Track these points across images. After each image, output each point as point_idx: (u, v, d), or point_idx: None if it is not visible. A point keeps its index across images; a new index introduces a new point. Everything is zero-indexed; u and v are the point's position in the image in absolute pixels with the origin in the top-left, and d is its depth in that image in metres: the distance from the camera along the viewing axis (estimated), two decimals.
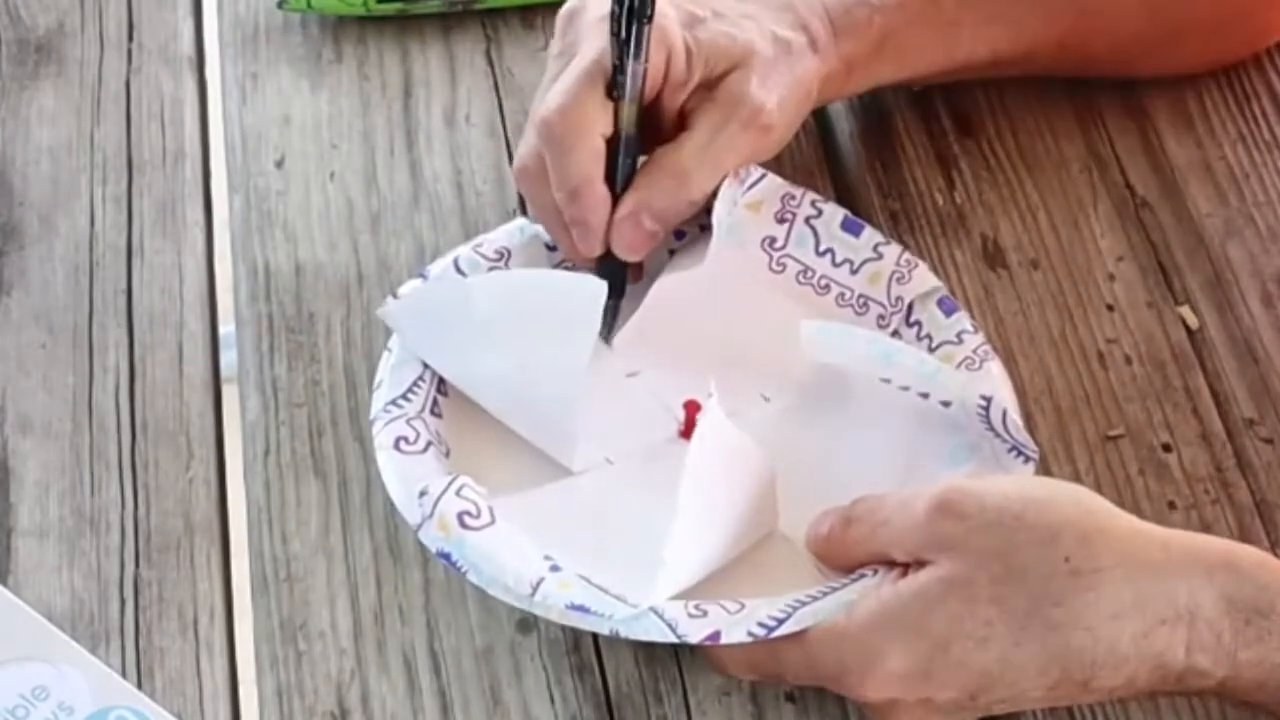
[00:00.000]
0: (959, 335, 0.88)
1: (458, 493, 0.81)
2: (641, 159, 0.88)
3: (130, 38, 1.06)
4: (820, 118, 1.01)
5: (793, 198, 0.91)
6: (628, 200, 0.86)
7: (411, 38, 1.05)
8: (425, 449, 0.84)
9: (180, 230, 0.98)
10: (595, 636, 0.83)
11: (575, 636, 0.84)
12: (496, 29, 1.05)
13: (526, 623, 0.84)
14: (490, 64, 1.04)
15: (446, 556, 0.80)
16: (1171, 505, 0.85)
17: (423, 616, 0.84)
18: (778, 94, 0.87)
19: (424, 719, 0.82)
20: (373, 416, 0.86)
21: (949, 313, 0.89)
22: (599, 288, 0.85)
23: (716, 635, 0.78)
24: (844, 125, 1.00)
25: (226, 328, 0.94)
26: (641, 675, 0.83)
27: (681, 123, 0.88)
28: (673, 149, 0.87)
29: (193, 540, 0.87)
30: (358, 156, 1.00)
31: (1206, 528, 0.86)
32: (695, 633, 0.78)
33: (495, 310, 0.86)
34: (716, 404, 0.82)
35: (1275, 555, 0.84)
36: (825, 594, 0.79)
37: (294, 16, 1.06)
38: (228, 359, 0.93)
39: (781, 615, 0.78)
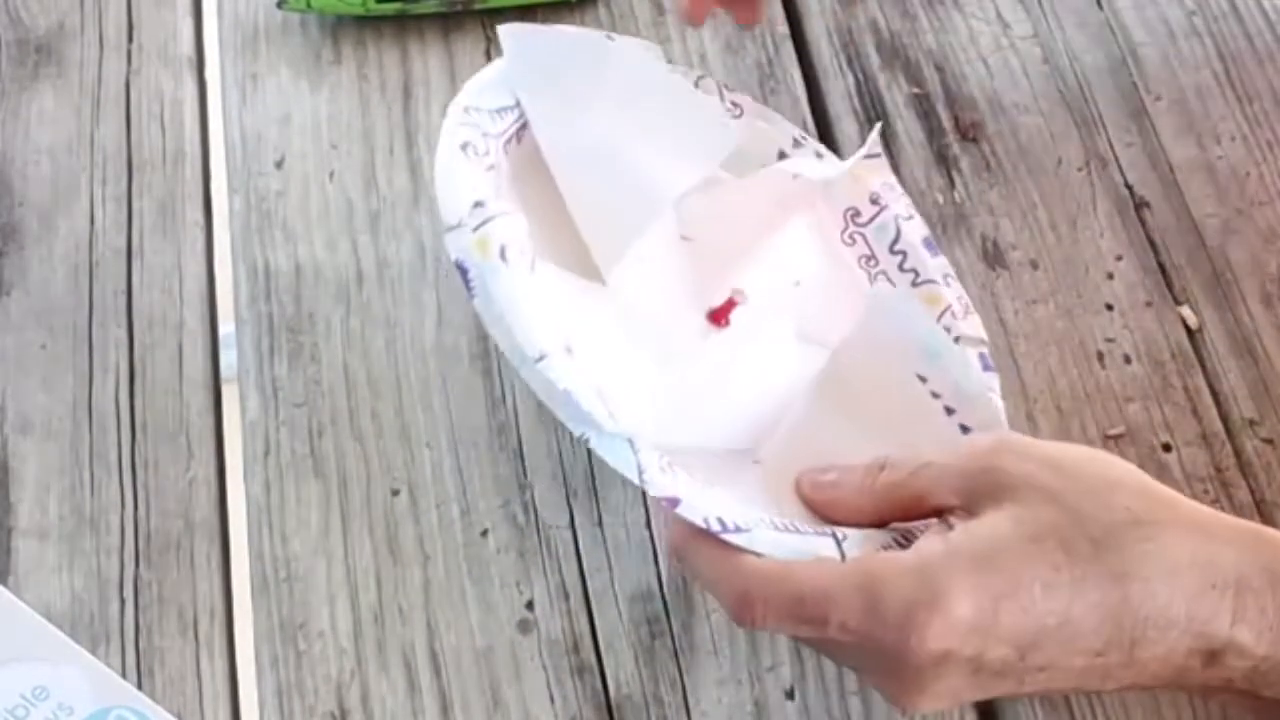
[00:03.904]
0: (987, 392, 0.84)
1: (513, 225, 0.74)
2: None
3: (130, 38, 1.06)
4: (821, 118, 1.01)
5: (893, 189, 0.90)
6: None
7: (411, 38, 1.05)
8: (490, 168, 0.77)
9: (180, 230, 0.98)
10: (595, 637, 0.83)
11: (575, 637, 0.84)
12: (496, 29, 1.05)
13: (526, 623, 0.84)
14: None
15: (465, 273, 0.72)
16: None
17: (423, 616, 0.84)
18: None
19: (424, 719, 0.82)
20: (450, 109, 0.78)
21: (985, 368, 0.86)
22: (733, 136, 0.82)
23: (675, 501, 0.72)
24: (845, 126, 1.00)
25: (226, 328, 0.94)
26: (641, 675, 0.83)
27: None
28: None
29: (193, 540, 0.87)
30: (358, 156, 1.00)
31: None
32: (659, 487, 0.72)
33: (626, 88, 0.79)
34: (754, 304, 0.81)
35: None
36: (797, 530, 0.74)
37: (294, 17, 1.06)
38: (228, 359, 0.93)
39: (745, 525, 0.72)
